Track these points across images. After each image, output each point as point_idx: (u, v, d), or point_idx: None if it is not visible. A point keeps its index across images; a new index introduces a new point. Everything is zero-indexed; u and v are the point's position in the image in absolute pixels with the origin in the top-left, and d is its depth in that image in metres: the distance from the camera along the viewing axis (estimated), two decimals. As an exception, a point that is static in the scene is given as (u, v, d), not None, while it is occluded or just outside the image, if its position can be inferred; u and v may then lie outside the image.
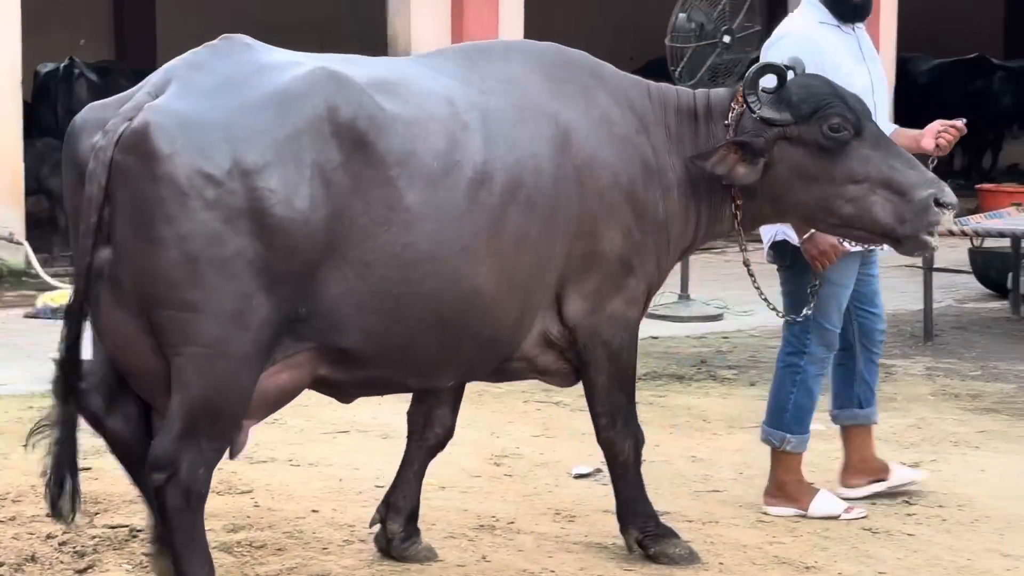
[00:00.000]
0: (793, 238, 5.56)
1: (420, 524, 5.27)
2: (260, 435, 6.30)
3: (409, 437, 5.30)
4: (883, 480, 6.02)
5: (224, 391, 4.33)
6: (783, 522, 5.58)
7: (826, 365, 5.86)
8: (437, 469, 6.34)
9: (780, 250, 5.70)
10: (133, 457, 4.56)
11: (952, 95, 20.07)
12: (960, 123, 5.69)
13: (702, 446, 6.88)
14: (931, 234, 5.00)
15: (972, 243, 11.40)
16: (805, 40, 5.65)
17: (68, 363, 4.38)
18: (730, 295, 10.95)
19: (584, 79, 5.01)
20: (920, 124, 5.86)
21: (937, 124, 5.67)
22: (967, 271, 11.82)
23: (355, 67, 4.58)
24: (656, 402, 7.87)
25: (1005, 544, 5.42)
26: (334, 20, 18.56)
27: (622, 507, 5.24)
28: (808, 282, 5.60)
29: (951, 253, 12.53)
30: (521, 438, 6.94)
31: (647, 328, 9.73)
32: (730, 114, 5.05)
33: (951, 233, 9.90)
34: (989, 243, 11.19)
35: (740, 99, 5.03)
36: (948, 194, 4.97)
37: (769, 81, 5.01)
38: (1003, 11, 24.61)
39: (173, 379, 4.29)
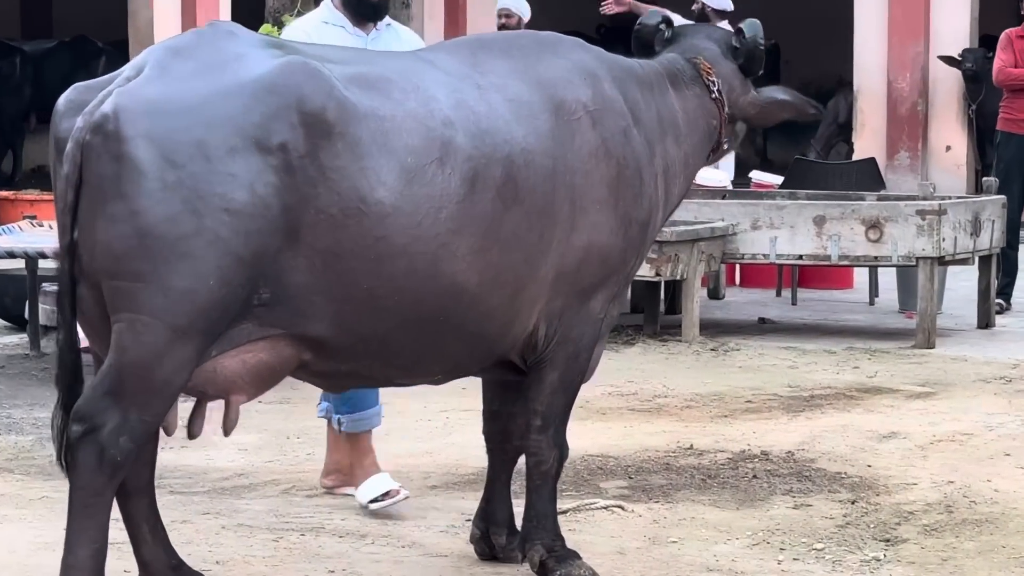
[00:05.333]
0: None
1: None
2: None
3: (491, 452, 6.27)
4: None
5: (158, 360, 5.16)
6: None
7: None
8: None
9: None
10: None
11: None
12: None
13: None
14: None
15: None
16: (291, 35, 7.00)
17: (66, 340, 5.30)
18: None
19: (588, 70, 5.93)
20: None
21: None
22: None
23: (339, 61, 5.49)
24: None
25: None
26: None
27: (532, 521, 6.03)
28: None
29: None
30: None
31: None
32: (714, 83, 6.29)
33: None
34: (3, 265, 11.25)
35: (706, 67, 6.27)
36: None
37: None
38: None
39: (111, 342, 5.17)
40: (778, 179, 14.34)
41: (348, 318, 5.37)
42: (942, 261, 11.33)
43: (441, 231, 5.42)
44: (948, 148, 19.90)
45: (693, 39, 6.43)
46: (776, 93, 6.56)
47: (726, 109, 6.32)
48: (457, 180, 5.46)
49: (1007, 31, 12.98)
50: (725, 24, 12.35)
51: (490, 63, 5.83)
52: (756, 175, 14.71)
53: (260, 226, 5.16)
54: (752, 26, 6.42)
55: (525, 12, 13.11)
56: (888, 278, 12.95)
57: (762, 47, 6.41)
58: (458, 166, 5.47)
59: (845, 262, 11.89)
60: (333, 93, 5.30)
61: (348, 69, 5.46)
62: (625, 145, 5.94)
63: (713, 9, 13.16)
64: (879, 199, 12.20)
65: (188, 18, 19.19)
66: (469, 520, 6.44)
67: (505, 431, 6.22)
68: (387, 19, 7.28)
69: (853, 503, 7.18)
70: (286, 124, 5.20)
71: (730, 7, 13.24)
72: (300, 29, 7.12)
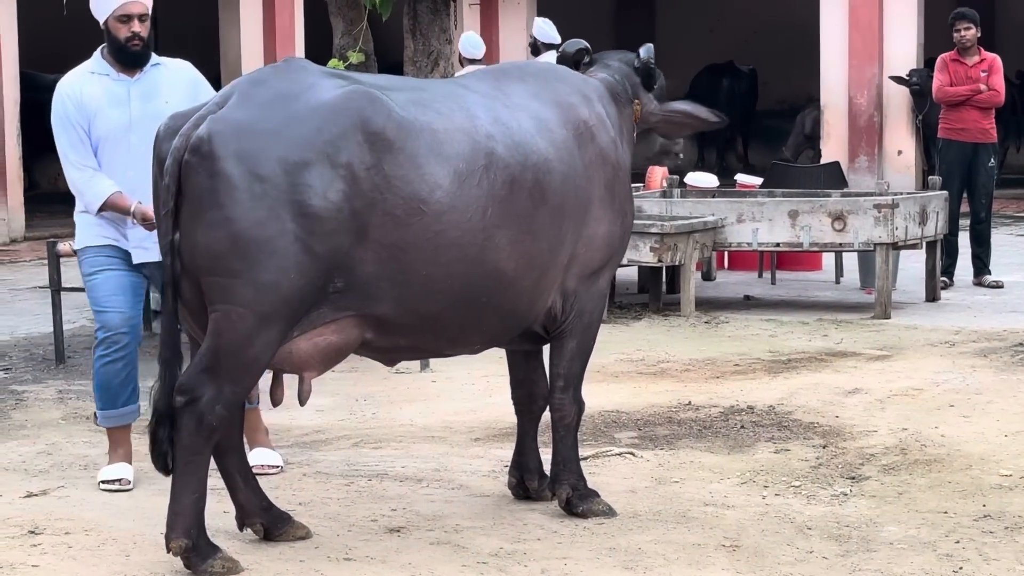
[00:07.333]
0: None
1: None
2: None
3: (519, 413, 6.27)
4: None
5: (249, 343, 5.16)
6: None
7: (111, 346, 6.49)
8: None
9: None
10: None
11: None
12: None
13: None
14: None
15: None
16: (60, 88, 6.55)
17: (169, 331, 5.34)
18: None
19: (584, 92, 6.00)
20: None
21: None
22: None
23: (395, 88, 5.49)
24: None
25: (130, 565, 5.44)
26: None
27: (559, 465, 6.04)
28: None
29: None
30: None
31: None
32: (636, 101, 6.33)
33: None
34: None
35: (639, 111, 6.32)
36: None
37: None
38: None
39: (209, 328, 5.19)
40: (758, 180, 14.27)
41: (409, 300, 5.38)
42: (895, 246, 11.27)
43: (487, 225, 5.46)
44: (899, 152, 19.81)
45: (611, 61, 6.39)
46: (678, 105, 6.50)
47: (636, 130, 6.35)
48: (499, 183, 5.50)
49: (942, 56, 12.89)
50: (552, 54, 11.22)
51: (511, 87, 5.86)
52: (740, 177, 14.65)
53: (333, 227, 5.17)
54: (647, 50, 6.39)
55: (556, 37, 12.28)
56: (851, 261, 12.90)
57: (653, 66, 6.35)
58: (499, 172, 5.51)
59: (815, 248, 11.85)
60: (391, 115, 5.30)
61: (404, 95, 5.46)
62: (616, 152, 6.02)
63: (543, 43, 12.47)
64: (843, 196, 12.13)
65: (269, 55, 19.25)
66: (507, 466, 6.44)
67: (530, 395, 6.22)
68: (155, 59, 6.65)
69: (824, 447, 7.16)
70: (353, 142, 5.20)
71: (557, 40, 12.30)
72: (69, 81, 6.57)
